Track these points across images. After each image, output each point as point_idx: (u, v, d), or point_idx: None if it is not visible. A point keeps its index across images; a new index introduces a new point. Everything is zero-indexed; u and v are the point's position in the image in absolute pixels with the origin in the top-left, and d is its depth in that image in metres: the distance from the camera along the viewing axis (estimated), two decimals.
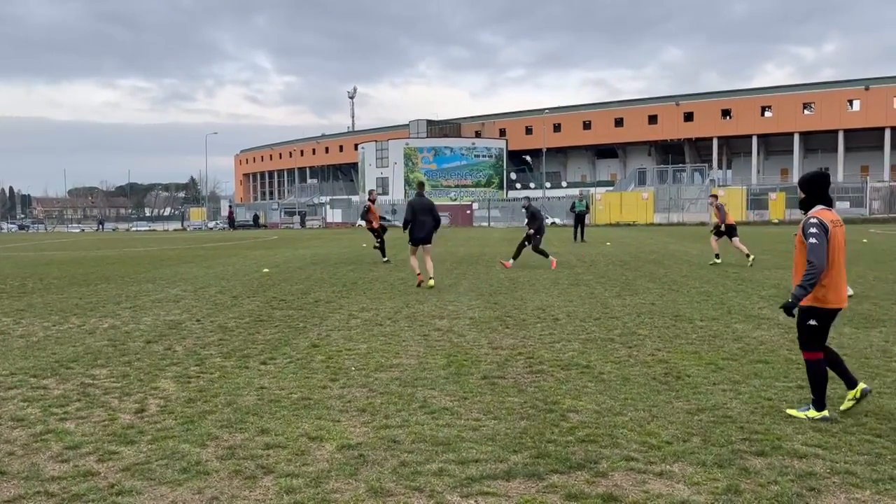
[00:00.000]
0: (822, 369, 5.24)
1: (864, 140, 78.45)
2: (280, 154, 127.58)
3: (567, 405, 5.72)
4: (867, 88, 77.58)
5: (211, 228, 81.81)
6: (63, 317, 10.72)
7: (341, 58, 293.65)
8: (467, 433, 5.04)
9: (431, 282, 13.78)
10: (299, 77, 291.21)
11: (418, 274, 14.07)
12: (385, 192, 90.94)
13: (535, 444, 4.78)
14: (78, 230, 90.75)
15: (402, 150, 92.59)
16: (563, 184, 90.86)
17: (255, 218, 79.53)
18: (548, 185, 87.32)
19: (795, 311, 5.22)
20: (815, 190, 5.26)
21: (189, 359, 7.60)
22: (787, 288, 12.83)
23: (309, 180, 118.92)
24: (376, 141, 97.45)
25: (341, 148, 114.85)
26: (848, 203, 62.30)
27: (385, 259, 20.14)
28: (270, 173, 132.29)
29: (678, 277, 15.26)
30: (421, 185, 15.23)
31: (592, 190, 68.05)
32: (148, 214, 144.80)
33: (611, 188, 79.09)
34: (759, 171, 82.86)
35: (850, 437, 4.85)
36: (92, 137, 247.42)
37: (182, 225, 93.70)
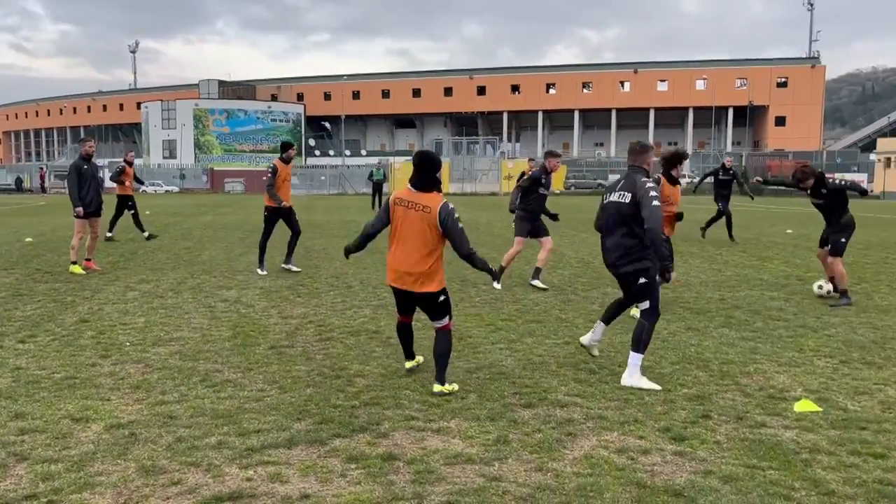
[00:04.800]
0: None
1: (633, 119, 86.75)
2: (48, 111, 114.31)
3: (354, 370, 5.80)
4: (636, 72, 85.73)
5: None
6: None
7: (129, 7, 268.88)
8: (250, 404, 4.94)
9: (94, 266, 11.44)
10: (78, 26, 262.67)
11: (88, 260, 11.39)
12: (173, 156, 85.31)
13: (320, 411, 4.80)
14: None
15: (191, 112, 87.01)
16: (363, 152, 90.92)
17: (18, 181, 70.93)
18: (347, 152, 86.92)
19: None
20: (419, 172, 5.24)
21: None
22: (562, 254, 13.93)
23: None
24: (162, 100, 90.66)
25: (122, 106, 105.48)
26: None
27: (147, 234, 16.09)
28: (37, 132, 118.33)
29: None
30: (84, 141, 11.33)
31: (392, 159, 68.79)
32: None
33: (409, 158, 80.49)
34: (544, 145, 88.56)
35: (605, 385, 5.42)
36: None
37: None
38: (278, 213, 11.15)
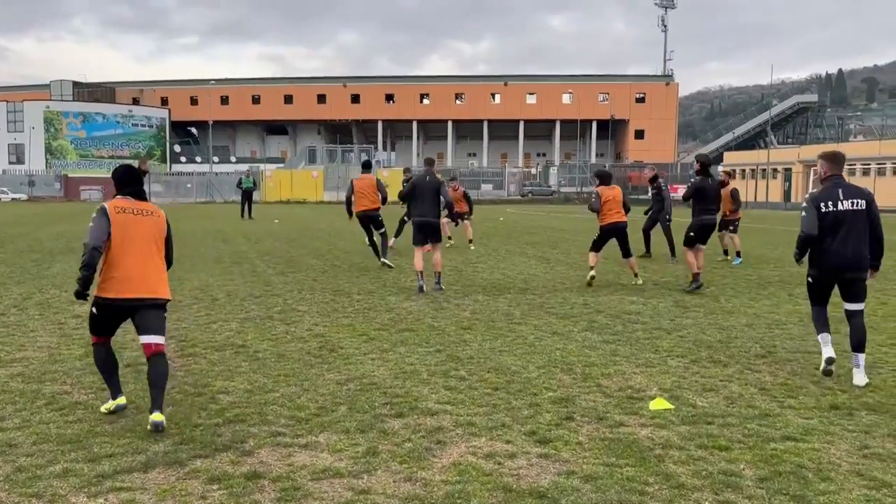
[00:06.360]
0: (98, 358, 4.99)
1: (504, 130, 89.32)
2: None
3: (218, 387, 5.57)
4: (506, 84, 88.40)
5: None
6: None
7: None
8: (102, 427, 4.62)
9: None
10: None
11: None
12: (20, 161, 79.08)
13: (180, 431, 4.57)
14: None
15: (41, 114, 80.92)
16: (233, 159, 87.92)
17: None
18: (216, 159, 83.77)
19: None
20: (116, 183, 5.10)
21: None
22: (464, 260, 14.05)
23: None
24: (7, 101, 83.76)
25: None
26: (491, 186, 70.73)
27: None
28: None
29: (341, 254, 15.83)
30: None
31: (263, 166, 67.09)
32: None
33: (281, 165, 78.77)
34: (419, 155, 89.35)
35: (474, 392, 5.50)
36: None
37: None
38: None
